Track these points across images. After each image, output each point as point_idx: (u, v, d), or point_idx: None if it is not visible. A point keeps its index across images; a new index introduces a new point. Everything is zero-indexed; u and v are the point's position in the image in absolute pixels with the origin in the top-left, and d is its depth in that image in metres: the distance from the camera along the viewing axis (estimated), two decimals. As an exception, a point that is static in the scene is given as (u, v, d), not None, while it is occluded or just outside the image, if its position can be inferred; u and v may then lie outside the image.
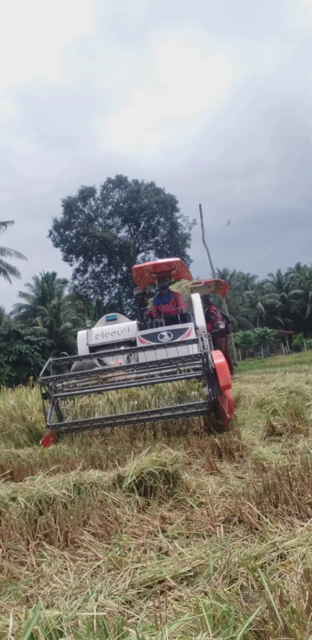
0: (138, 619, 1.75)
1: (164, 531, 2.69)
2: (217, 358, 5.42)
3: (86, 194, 39.20)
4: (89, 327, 9.65)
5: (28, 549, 2.59)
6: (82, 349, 9.24)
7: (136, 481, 3.23)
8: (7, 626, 1.67)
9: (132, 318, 11.78)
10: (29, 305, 43.48)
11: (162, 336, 8.05)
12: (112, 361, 7.27)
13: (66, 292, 44.62)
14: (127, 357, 7.56)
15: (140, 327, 8.99)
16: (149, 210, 38.54)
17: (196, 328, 8.45)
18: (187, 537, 2.61)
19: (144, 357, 6.26)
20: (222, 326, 10.35)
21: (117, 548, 2.41)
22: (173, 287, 11.04)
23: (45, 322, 39.26)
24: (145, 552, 2.45)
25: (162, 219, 39.32)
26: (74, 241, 39.09)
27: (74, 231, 39.47)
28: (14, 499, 3.12)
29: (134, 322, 9.57)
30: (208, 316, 11.15)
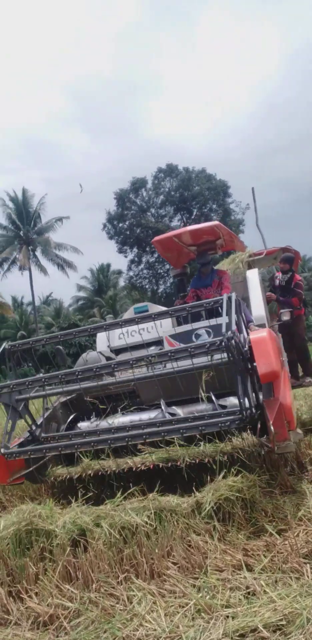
0: None
1: (247, 565, 2.72)
2: (255, 333, 3.93)
3: (138, 185, 39.38)
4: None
5: (118, 582, 2.71)
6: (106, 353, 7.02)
7: (214, 507, 3.27)
8: None
9: None
10: (86, 297, 44.57)
11: (198, 335, 5.64)
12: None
13: (121, 282, 45.27)
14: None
15: (179, 322, 6.65)
16: (201, 198, 38.10)
17: (249, 321, 6.07)
18: (272, 572, 2.62)
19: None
20: (286, 317, 6.77)
21: (205, 589, 2.46)
22: (225, 263, 8.64)
23: (103, 313, 40.08)
24: (232, 590, 2.50)
25: (214, 206, 38.78)
26: (128, 233, 39.49)
27: (127, 223, 39.86)
28: (97, 525, 3.26)
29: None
30: (293, 291, 8.18)
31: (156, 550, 2.82)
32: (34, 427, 4.48)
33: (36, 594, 2.78)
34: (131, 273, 42.33)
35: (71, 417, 5.00)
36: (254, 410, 3.59)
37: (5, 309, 33.81)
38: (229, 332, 3.36)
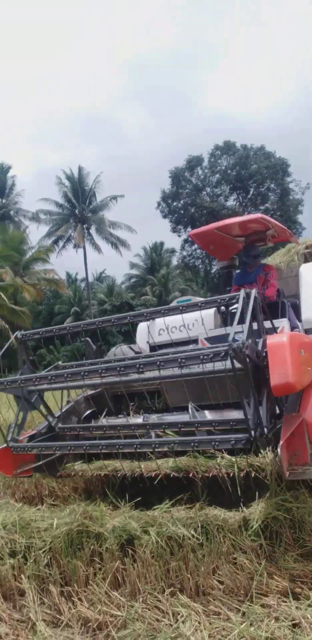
0: None
1: (294, 594, 2.71)
2: (274, 337, 3.42)
3: (193, 163, 38.86)
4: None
5: (164, 595, 2.79)
6: (143, 349, 6.66)
7: (262, 525, 3.26)
8: None
9: None
10: (139, 275, 44.99)
11: (236, 341, 4.46)
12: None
13: (174, 261, 45.22)
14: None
15: (225, 321, 6.10)
16: (258, 177, 37.05)
17: (293, 327, 5.44)
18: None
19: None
20: None
21: (250, 617, 2.48)
22: (279, 255, 7.93)
23: (155, 292, 40.37)
24: (277, 620, 2.50)
25: (272, 185, 37.65)
26: (182, 212, 39.26)
27: (181, 202, 39.61)
28: (145, 532, 3.35)
29: (213, 311, 6.48)
30: None
31: (202, 569, 2.86)
32: (50, 419, 4.43)
33: (86, 597, 2.92)
34: (184, 252, 42.21)
35: (87, 412, 4.89)
36: (266, 429, 3.24)
37: (60, 285, 34.85)
38: (238, 341, 2.99)
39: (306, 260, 7.18)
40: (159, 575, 2.93)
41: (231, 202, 39.31)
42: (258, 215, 6.22)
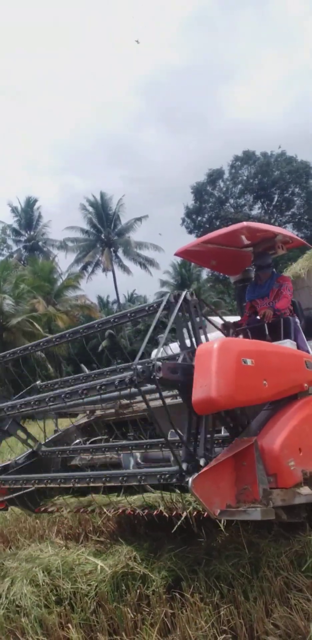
0: None
1: None
2: (205, 345, 2.89)
3: (214, 176, 38.80)
4: (164, 344, 5.66)
5: (216, 643, 2.65)
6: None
7: (316, 559, 3.08)
8: None
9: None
10: (170, 292, 45.03)
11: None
12: None
13: (204, 275, 45.00)
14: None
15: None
16: (281, 182, 36.62)
17: (300, 349, 4.71)
18: None
19: None
20: None
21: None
22: (299, 262, 7.10)
23: (187, 308, 40.20)
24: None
25: (297, 189, 37.10)
26: (208, 226, 39.11)
27: (206, 216, 39.54)
28: (194, 572, 3.23)
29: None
30: None
31: (255, 614, 2.71)
32: (32, 444, 4.32)
33: (135, 647, 2.82)
34: (212, 266, 41.95)
35: (76, 441, 4.72)
36: (204, 459, 2.70)
37: (92, 310, 35.25)
38: (142, 364, 2.58)
39: None
40: (209, 620, 2.80)
41: (256, 211, 38.97)
42: (244, 224, 5.50)
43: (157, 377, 2.54)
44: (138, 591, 3.15)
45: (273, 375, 2.98)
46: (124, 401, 4.36)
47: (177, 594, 3.02)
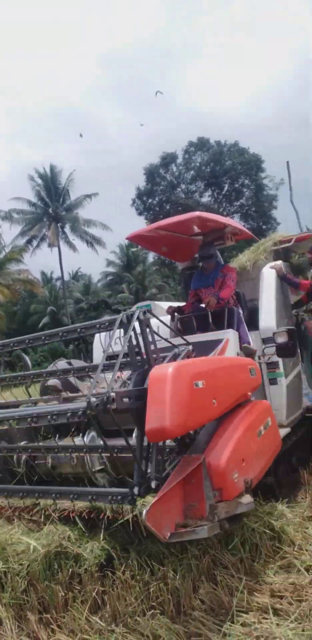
0: None
1: (274, 610, 2.71)
2: (159, 369, 2.78)
3: (168, 160, 38.73)
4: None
5: (144, 618, 2.74)
6: (99, 358, 5.85)
7: (241, 539, 3.26)
8: None
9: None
10: (115, 273, 44.70)
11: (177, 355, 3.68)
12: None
13: (151, 258, 45.11)
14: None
15: (185, 329, 5.51)
16: (232, 173, 37.22)
17: (243, 341, 4.88)
18: (300, 621, 2.60)
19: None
20: (281, 339, 4.85)
21: (232, 638, 2.47)
22: (245, 255, 6.92)
23: (132, 289, 40.19)
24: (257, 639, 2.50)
25: (246, 181, 37.84)
26: (158, 209, 39.12)
27: (157, 199, 39.49)
28: (126, 551, 3.30)
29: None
30: None
31: (183, 590, 2.84)
32: None
33: (65, 624, 2.86)
34: (160, 249, 42.07)
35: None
36: (155, 481, 2.70)
37: (34, 285, 34.31)
38: (97, 397, 2.60)
39: (277, 258, 6.37)
40: (139, 596, 2.89)
41: (206, 199, 39.39)
42: (196, 213, 5.56)
43: (112, 409, 2.56)
44: (70, 570, 3.18)
45: (222, 392, 3.04)
46: (69, 395, 4.37)
47: (108, 572, 3.08)
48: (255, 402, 3.54)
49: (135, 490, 2.71)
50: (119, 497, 2.90)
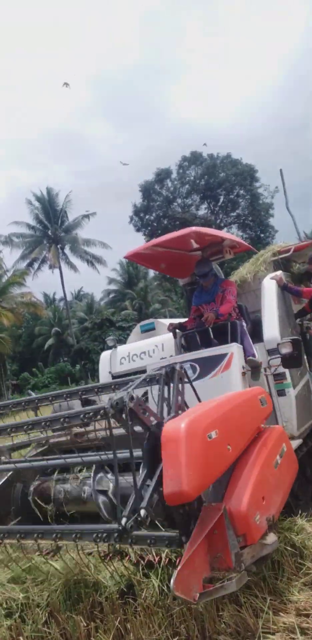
0: None
1: (301, 628, 2.66)
2: (170, 425, 2.72)
3: (162, 175, 39.03)
4: (113, 346, 6.67)
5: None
6: (105, 378, 6.37)
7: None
8: None
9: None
10: (117, 290, 44.86)
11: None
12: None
13: (151, 273, 45.23)
14: None
15: (187, 346, 5.54)
16: (227, 184, 37.44)
17: (248, 354, 4.88)
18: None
19: None
20: (285, 350, 4.64)
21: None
22: (245, 267, 6.91)
23: (134, 305, 40.26)
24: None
25: (241, 191, 38.06)
26: (155, 224, 39.33)
27: (154, 215, 39.72)
28: (146, 576, 3.25)
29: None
30: None
31: (207, 614, 2.79)
32: None
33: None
34: (160, 264, 42.20)
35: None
36: (144, 511, 2.57)
37: (38, 307, 34.45)
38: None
39: (277, 269, 6.35)
40: (162, 623, 2.84)
41: (202, 212, 39.60)
42: (192, 229, 5.49)
43: (130, 407, 2.70)
44: (90, 599, 3.14)
45: (236, 435, 2.95)
46: (78, 429, 4.32)
47: (130, 599, 3.04)
48: (268, 430, 3.41)
49: (123, 521, 2.62)
50: (105, 535, 2.81)
